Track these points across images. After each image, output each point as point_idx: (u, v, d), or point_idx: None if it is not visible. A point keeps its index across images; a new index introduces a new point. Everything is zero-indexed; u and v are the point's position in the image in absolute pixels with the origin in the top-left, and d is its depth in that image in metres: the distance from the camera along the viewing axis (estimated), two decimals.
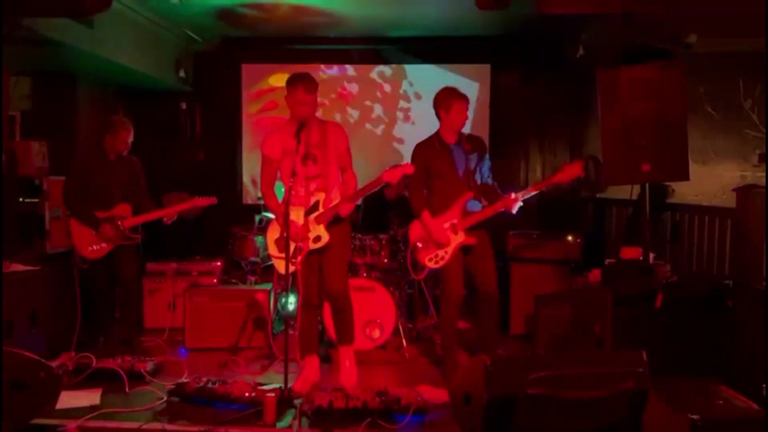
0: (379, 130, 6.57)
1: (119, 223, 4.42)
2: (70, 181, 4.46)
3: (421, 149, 4.01)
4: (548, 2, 4.11)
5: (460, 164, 3.92)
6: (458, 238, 3.86)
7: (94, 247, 4.39)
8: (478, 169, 3.98)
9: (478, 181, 3.97)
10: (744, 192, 3.72)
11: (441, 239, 3.85)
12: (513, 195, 3.76)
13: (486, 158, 4.04)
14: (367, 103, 6.56)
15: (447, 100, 3.88)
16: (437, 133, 4.00)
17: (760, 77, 4.99)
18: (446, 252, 3.87)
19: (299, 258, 3.67)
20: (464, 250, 3.91)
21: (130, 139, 4.51)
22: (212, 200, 4.64)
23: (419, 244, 3.95)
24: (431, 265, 3.91)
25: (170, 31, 5.81)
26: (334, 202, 3.69)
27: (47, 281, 4.25)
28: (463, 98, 3.90)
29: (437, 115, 3.96)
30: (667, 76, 3.77)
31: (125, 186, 4.54)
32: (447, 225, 3.88)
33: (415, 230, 3.98)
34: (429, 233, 3.89)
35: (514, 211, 3.79)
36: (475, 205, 3.94)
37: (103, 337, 4.53)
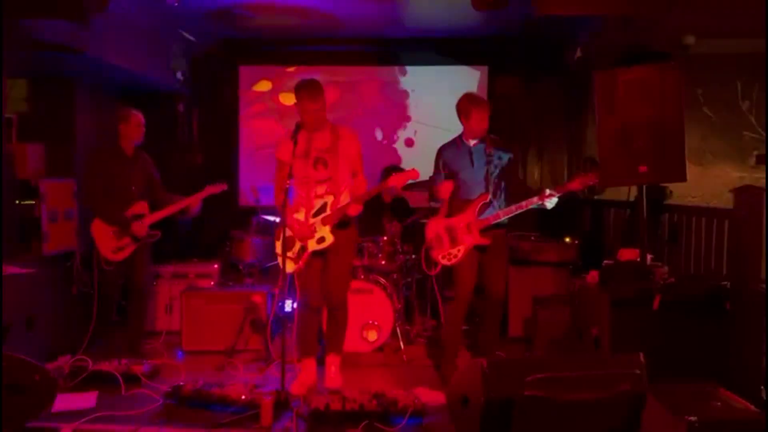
0: (377, 132, 6.56)
1: (143, 221, 4.35)
2: (90, 182, 4.35)
3: (442, 151, 4.05)
4: (546, 4, 4.11)
5: (480, 166, 3.93)
6: (471, 238, 3.89)
7: (118, 248, 4.31)
8: (501, 172, 3.97)
9: (503, 183, 3.97)
10: (741, 193, 3.71)
11: (460, 229, 3.86)
12: (548, 191, 3.77)
13: (511, 158, 4.02)
14: (365, 104, 6.55)
15: (466, 108, 3.90)
16: (461, 135, 4.03)
17: (757, 79, 5.00)
18: (459, 250, 3.90)
19: (303, 258, 3.71)
20: (480, 250, 3.93)
21: (143, 122, 4.46)
22: (222, 186, 4.57)
23: (434, 242, 3.99)
24: (444, 262, 3.95)
25: (167, 32, 5.81)
26: (342, 205, 3.73)
27: (44, 284, 4.24)
28: (482, 106, 3.90)
29: (459, 120, 3.98)
30: (664, 78, 3.76)
31: (142, 183, 4.47)
32: (463, 225, 3.90)
33: (431, 228, 4.03)
34: (450, 225, 3.90)
35: (549, 206, 3.80)
36: (496, 208, 3.93)
37: (105, 340, 4.49)
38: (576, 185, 3.77)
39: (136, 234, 4.32)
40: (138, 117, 4.43)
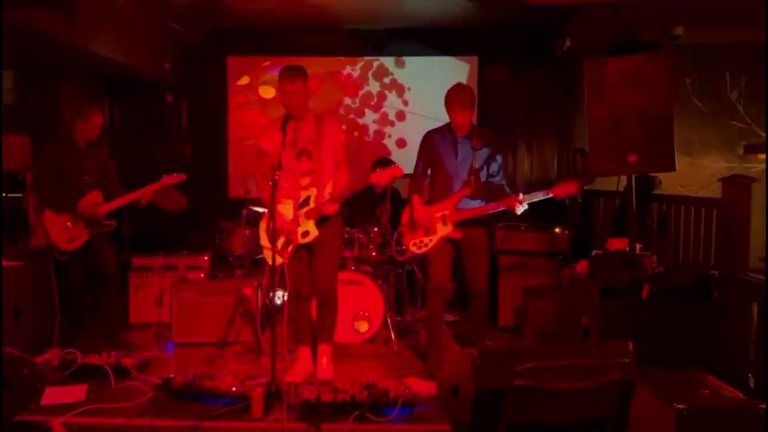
0: (366, 123, 6.54)
1: (94, 205, 4.35)
2: (40, 172, 4.39)
3: (429, 136, 3.98)
4: None
5: (464, 158, 3.87)
6: (445, 230, 3.86)
7: (71, 238, 4.32)
8: (485, 166, 3.91)
9: (483, 179, 3.91)
10: (730, 182, 3.74)
11: (423, 223, 3.87)
12: (521, 196, 3.71)
13: (497, 157, 3.94)
14: (353, 96, 6.53)
15: (448, 100, 3.82)
16: (449, 124, 3.94)
17: (746, 69, 5.02)
18: (430, 240, 3.89)
19: (288, 251, 3.69)
20: (455, 244, 3.91)
21: (101, 123, 4.45)
22: (181, 177, 4.54)
23: (407, 227, 3.99)
24: (414, 249, 3.95)
25: (155, 22, 5.75)
26: (325, 199, 3.70)
27: (31, 277, 4.20)
28: (462, 102, 3.77)
29: (446, 110, 3.89)
30: (653, 68, 3.78)
31: (96, 174, 4.46)
32: (438, 215, 3.88)
33: (407, 213, 4.02)
34: (413, 215, 3.91)
35: (518, 212, 3.74)
36: (474, 202, 3.88)
37: (83, 332, 4.48)
38: (556, 193, 3.69)
39: (84, 212, 4.30)
40: (97, 118, 4.40)
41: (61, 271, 4.38)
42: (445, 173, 3.91)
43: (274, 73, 6.43)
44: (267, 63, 6.46)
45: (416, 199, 3.92)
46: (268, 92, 6.54)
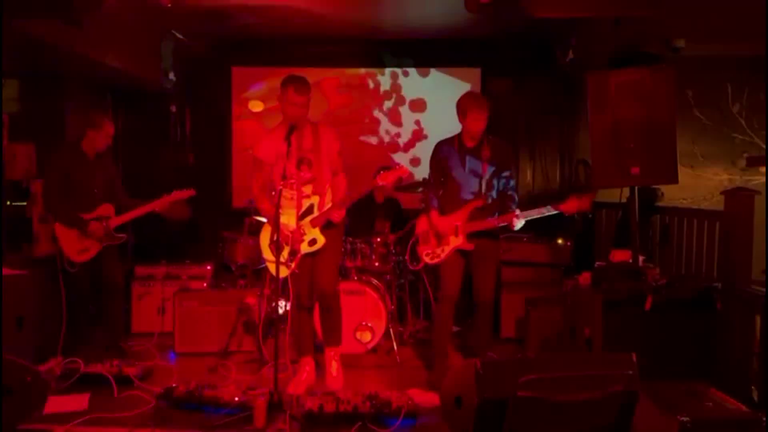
0: (369, 134, 6.56)
1: (105, 223, 4.37)
2: (49, 183, 4.36)
3: (438, 147, 4.00)
4: (538, 6, 4.12)
5: (474, 169, 3.88)
6: (457, 241, 3.87)
7: (82, 250, 4.33)
8: (495, 177, 3.91)
9: (494, 190, 3.92)
10: (732, 195, 3.75)
11: (444, 232, 3.88)
12: (517, 212, 3.72)
13: (507, 168, 3.96)
14: (358, 107, 6.55)
15: (464, 106, 3.81)
16: (459, 134, 3.95)
17: (747, 82, 5.04)
18: (443, 251, 3.91)
19: (295, 262, 3.70)
20: (466, 254, 3.92)
21: (113, 133, 4.47)
22: (190, 192, 4.58)
23: (421, 237, 4.01)
24: (427, 259, 3.97)
25: (160, 32, 5.79)
26: (328, 206, 3.71)
27: (35, 285, 4.19)
28: (481, 105, 3.79)
29: (458, 118, 3.90)
30: (655, 80, 3.79)
31: (104, 186, 4.47)
32: (452, 226, 3.89)
33: (421, 224, 4.04)
34: (435, 228, 3.92)
35: (516, 227, 3.75)
36: (486, 214, 3.89)
37: (86, 342, 4.47)
38: (569, 208, 3.67)
39: (93, 235, 4.32)
40: (109, 127, 4.43)
41: (66, 281, 4.36)
42: (454, 183, 3.92)
43: (257, 89, 6.54)
44: (251, 79, 6.54)
45: (434, 213, 3.95)
46: (256, 106, 6.59)
